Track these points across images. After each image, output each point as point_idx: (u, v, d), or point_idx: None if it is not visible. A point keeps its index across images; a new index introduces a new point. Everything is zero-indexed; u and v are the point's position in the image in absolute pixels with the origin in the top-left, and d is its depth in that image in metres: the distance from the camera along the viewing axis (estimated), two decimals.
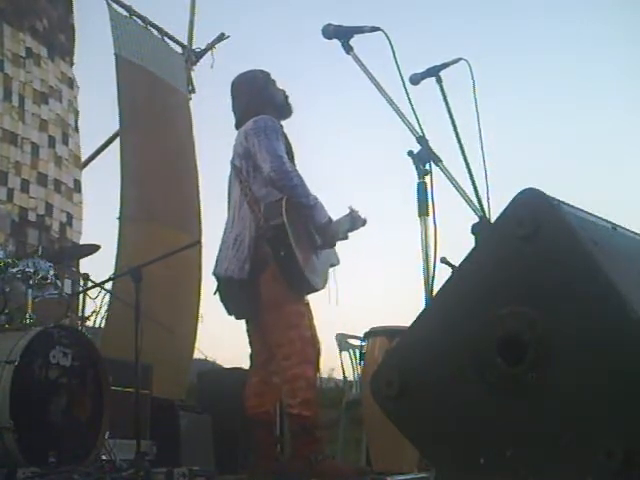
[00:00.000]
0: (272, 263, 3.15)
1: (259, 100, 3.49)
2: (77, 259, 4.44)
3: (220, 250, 3.38)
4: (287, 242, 3.10)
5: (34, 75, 6.04)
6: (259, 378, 3.36)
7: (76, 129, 6.55)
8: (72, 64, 6.64)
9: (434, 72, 2.76)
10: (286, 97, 3.58)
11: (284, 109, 3.55)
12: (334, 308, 3.45)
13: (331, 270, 3.45)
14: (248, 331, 3.42)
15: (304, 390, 3.13)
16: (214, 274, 3.37)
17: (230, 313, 3.37)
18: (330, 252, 3.48)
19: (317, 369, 3.27)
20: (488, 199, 2.38)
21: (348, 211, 3.55)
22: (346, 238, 3.56)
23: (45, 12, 6.40)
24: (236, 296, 3.30)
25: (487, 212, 2.34)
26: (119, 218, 5.81)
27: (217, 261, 3.38)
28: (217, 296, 3.39)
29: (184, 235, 6.19)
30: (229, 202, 3.48)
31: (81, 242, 6.08)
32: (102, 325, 5.18)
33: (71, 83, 6.56)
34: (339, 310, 3.50)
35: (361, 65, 2.63)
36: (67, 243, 6.06)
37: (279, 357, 3.23)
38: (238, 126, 3.52)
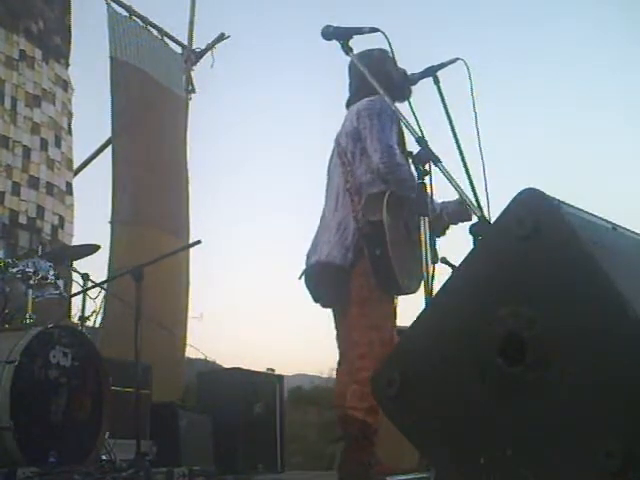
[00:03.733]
0: (366, 259, 3.02)
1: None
2: (77, 259, 4.44)
3: (318, 234, 3.26)
4: (384, 241, 2.95)
5: (27, 78, 6.02)
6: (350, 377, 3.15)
7: (69, 132, 6.51)
8: (67, 66, 6.61)
9: (431, 72, 2.78)
10: (406, 77, 3.16)
11: (400, 91, 3.11)
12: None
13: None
14: (335, 324, 3.29)
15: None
16: (307, 257, 3.24)
17: (317, 300, 3.24)
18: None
19: None
20: (487, 199, 2.38)
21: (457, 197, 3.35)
22: (447, 229, 3.28)
23: (41, 14, 6.36)
24: (330, 283, 3.16)
25: (486, 212, 2.35)
26: (111, 222, 5.85)
27: (314, 245, 3.25)
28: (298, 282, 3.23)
29: (174, 238, 6.21)
30: (328, 183, 3.34)
31: (76, 243, 6.09)
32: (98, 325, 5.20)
33: (65, 85, 6.52)
34: None
35: (360, 66, 2.63)
36: (58, 245, 6.06)
37: (354, 354, 3.08)
38: (348, 105, 3.36)
